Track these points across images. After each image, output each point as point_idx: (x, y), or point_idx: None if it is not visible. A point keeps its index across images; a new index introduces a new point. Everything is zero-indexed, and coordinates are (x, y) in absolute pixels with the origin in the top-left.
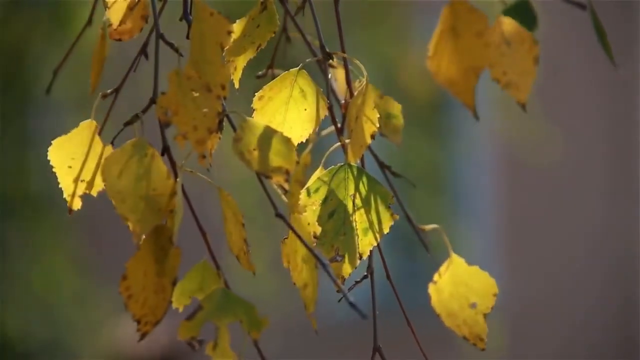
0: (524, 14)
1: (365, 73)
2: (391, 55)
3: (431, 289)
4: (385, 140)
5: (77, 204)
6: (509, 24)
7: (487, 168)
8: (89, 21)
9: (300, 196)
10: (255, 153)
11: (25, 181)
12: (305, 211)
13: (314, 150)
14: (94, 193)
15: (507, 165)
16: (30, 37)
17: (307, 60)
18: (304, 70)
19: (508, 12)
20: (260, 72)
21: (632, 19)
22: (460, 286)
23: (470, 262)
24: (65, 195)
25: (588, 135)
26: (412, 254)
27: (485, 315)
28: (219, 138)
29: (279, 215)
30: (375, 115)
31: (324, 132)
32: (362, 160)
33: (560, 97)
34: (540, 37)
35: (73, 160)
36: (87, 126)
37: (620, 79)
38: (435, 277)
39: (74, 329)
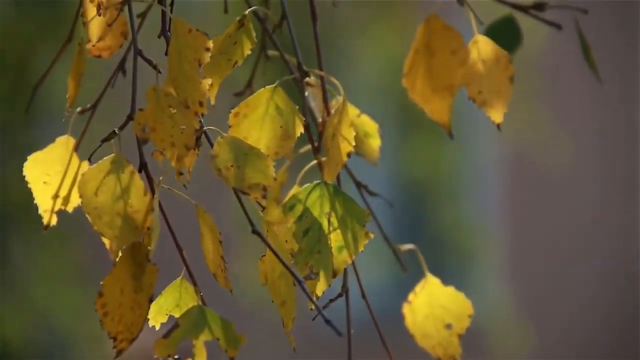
0: (508, 32)
1: (342, 92)
2: (402, 57)
3: (405, 309)
4: (390, 144)
5: (53, 220)
6: (484, 42)
7: (492, 171)
8: (69, 38)
9: (276, 213)
10: (232, 169)
11: (27, 191)
12: (281, 228)
13: (290, 169)
14: (69, 209)
15: (513, 169)
16: (35, 49)
17: (284, 78)
18: (280, 88)
19: (490, 31)
20: (238, 91)
21: (633, 20)
22: (436, 308)
23: (478, 265)
24: (40, 211)
25: (591, 139)
26: (417, 267)
27: (459, 336)
28: (197, 154)
29: (255, 232)
30: (351, 134)
31: (301, 150)
32: (338, 178)
33: (562, 100)
34: (543, 40)
35: (49, 176)
36: (63, 142)
37: (622, 81)
38: (410, 297)
39: (75, 339)
